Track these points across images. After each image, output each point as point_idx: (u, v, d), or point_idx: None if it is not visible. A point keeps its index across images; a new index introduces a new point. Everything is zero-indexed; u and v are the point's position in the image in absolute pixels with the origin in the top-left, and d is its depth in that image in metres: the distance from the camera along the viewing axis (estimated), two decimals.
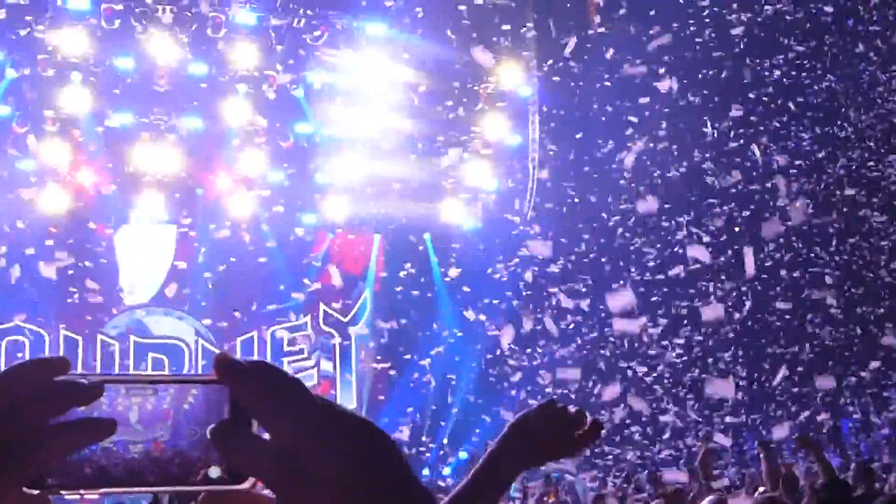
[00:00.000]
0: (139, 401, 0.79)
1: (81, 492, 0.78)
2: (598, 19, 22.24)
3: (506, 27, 22.15)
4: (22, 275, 20.46)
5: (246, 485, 0.80)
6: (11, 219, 20.52)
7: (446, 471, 21.61)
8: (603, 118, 22.01)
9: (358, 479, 0.78)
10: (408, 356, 22.86)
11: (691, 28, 21.40)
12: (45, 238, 20.72)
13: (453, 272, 23.31)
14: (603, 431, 2.20)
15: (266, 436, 0.79)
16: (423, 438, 22.37)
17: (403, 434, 20.88)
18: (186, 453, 0.79)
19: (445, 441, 22.60)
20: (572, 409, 2.17)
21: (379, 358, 23.38)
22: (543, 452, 2.12)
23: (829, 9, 21.01)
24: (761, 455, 6.61)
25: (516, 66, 22.59)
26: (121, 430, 0.78)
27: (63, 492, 0.77)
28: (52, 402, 0.76)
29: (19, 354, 20.02)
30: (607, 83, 21.57)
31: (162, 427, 0.79)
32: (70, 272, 20.71)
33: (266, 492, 0.80)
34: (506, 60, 22.48)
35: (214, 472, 0.79)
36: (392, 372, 22.98)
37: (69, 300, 20.95)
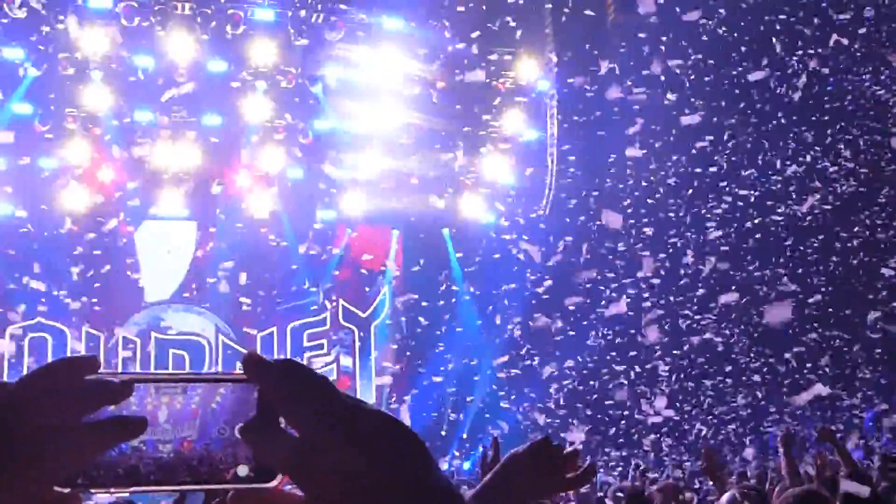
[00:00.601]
0: (168, 400, 0.80)
1: (112, 490, 0.79)
2: (614, 15, 22.15)
3: (524, 22, 22.07)
4: (44, 272, 20.63)
5: (274, 483, 0.80)
6: (33, 216, 20.69)
7: (466, 465, 21.62)
8: (621, 113, 21.90)
9: (386, 477, 0.78)
10: (427, 350, 22.87)
11: (710, 22, 21.25)
12: (66, 235, 20.88)
13: (472, 267, 23.33)
14: (596, 476, 2.11)
15: (294, 434, 0.79)
16: (443, 433, 22.40)
17: (423, 428, 20.91)
18: (215, 452, 0.80)
19: (465, 436, 22.61)
20: (565, 449, 2.10)
21: (398, 353, 23.42)
22: (532, 492, 2.05)
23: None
24: (781, 449, 6.54)
25: (534, 60, 22.53)
26: (150, 429, 0.79)
27: (93, 490, 0.78)
28: (83, 401, 0.77)
29: (31, 354, 20.21)
30: (625, 77, 21.47)
31: (190, 426, 0.80)
32: (91, 269, 20.87)
33: (295, 490, 0.80)
34: (524, 55, 22.42)
35: (243, 470, 0.80)
36: (411, 366, 23.01)
37: (91, 297, 21.10)
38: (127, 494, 0.79)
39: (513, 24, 21.80)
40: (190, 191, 21.80)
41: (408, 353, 23.32)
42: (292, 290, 22.82)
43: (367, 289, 23.70)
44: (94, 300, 21.18)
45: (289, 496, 0.81)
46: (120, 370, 0.83)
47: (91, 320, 21.32)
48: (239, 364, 0.81)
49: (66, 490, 0.77)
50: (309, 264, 22.98)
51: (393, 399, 22.79)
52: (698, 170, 22.17)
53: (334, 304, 23.17)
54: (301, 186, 22.45)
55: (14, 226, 20.61)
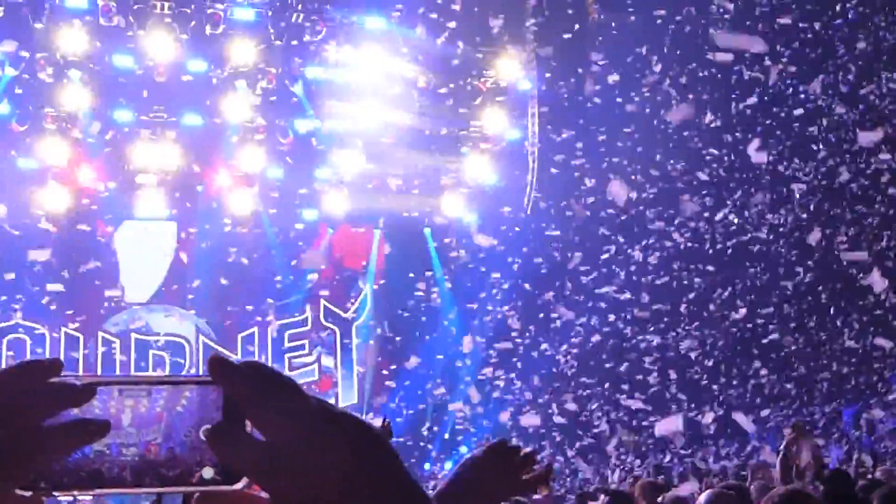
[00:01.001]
0: (132, 403, 0.80)
1: (75, 493, 0.78)
2: (596, 14, 22.21)
3: (505, 21, 22.10)
4: (22, 273, 20.47)
5: (240, 485, 0.80)
6: (12, 217, 20.52)
7: (448, 465, 21.62)
8: (602, 111, 21.98)
9: (353, 480, 0.78)
10: (409, 351, 22.86)
11: (691, 18, 21.36)
12: (45, 236, 20.73)
13: (453, 266, 23.35)
14: (553, 476, 2.11)
15: (260, 437, 0.79)
16: (425, 433, 22.40)
17: (405, 428, 20.91)
18: (180, 455, 0.80)
19: (447, 436, 22.62)
20: (523, 450, 2.09)
21: (380, 353, 23.40)
22: (490, 493, 2.03)
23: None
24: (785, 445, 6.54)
25: (515, 60, 22.56)
26: (114, 433, 0.78)
27: (56, 493, 0.77)
28: (45, 403, 0.76)
29: (11, 354, 20.06)
30: (606, 76, 21.54)
31: (155, 430, 0.79)
32: (71, 270, 20.72)
33: (261, 492, 0.80)
34: (505, 55, 22.45)
35: (208, 472, 0.80)
36: (393, 366, 22.99)
37: (70, 298, 20.96)
38: (90, 498, 0.78)
39: (494, 23, 21.82)
40: (170, 191, 21.68)
41: (389, 354, 23.29)
42: (273, 291, 22.74)
43: (348, 289, 23.66)
44: (74, 301, 21.03)
45: (255, 498, 0.81)
46: (99, 371, 0.82)
47: (70, 321, 21.17)
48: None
49: (28, 493, 0.76)
50: (290, 265, 22.91)
51: (375, 398, 22.78)
52: (680, 167, 22.26)
53: (316, 304, 23.12)
54: (282, 186, 22.38)
55: None
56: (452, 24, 21.34)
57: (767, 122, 21.85)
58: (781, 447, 6.44)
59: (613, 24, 21.82)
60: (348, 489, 0.78)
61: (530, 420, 20.98)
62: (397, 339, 23.15)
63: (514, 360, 22.26)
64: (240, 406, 0.79)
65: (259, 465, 0.78)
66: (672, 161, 22.20)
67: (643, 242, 22.09)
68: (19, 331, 20.67)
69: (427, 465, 21.49)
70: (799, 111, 21.61)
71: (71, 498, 0.78)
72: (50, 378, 0.77)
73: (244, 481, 0.80)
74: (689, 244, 21.84)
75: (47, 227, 20.69)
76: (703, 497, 5.29)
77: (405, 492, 0.81)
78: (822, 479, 6.34)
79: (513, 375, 22.23)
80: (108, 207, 21.56)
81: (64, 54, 19.70)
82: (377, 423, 5.99)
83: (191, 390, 0.81)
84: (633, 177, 22.11)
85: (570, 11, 21.97)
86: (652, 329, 21.85)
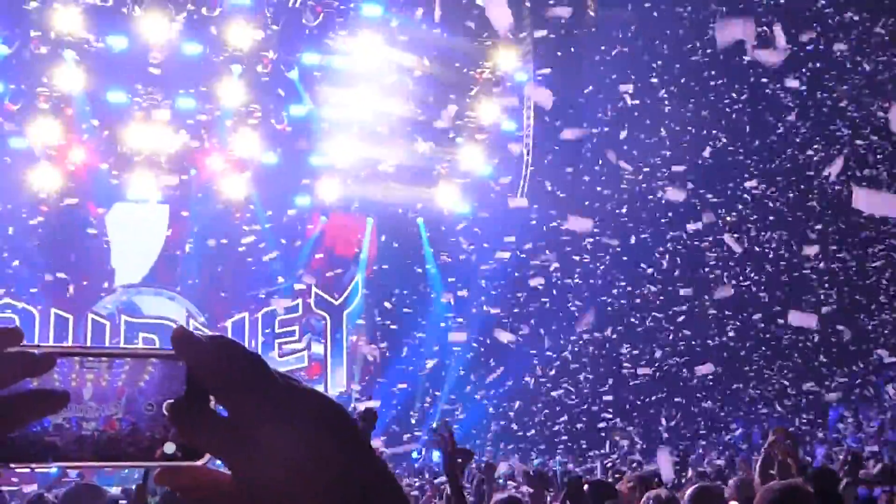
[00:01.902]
0: (93, 377, 0.78)
1: (32, 466, 0.77)
2: (593, 7, 22.18)
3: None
4: (12, 253, 20.40)
5: (202, 461, 0.79)
6: (2, 197, 20.43)
7: (435, 454, 21.66)
8: (598, 103, 21.98)
9: (316, 456, 0.77)
10: (399, 339, 22.88)
11: (688, 12, 21.35)
12: (36, 217, 20.65)
13: (445, 256, 23.35)
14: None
15: (222, 413, 0.78)
16: (413, 422, 22.44)
17: (393, 416, 20.95)
18: (142, 430, 0.78)
19: (435, 424, 22.64)
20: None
21: (370, 341, 23.40)
22: None
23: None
24: (771, 443, 6.53)
25: (512, 51, 22.52)
26: (74, 406, 0.77)
27: (12, 465, 0.76)
28: (2, 372, 0.75)
29: None
30: (603, 68, 21.53)
31: (116, 404, 0.78)
32: (61, 251, 20.66)
33: (224, 468, 0.79)
34: (502, 45, 22.40)
35: (170, 447, 0.78)
36: (383, 355, 22.99)
37: (60, 279, 20.90)
38: (54, 470, 0.77)
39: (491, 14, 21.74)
40: (162, 174, 21.61)
41: (379, 342, 23.30)
42: (264, 276, 22.73)
43: (340, 276, 23.65)
44: (64, 282, 20.97)
45: (217, 474, 0.80)
46: (52, 345, 0.81)
47: (60, 302, 21.12)
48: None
49: None
50: (282, 250, 22.88)
51: (364, 386, 22.80)
52: (676, 161, 22.27)
53: (307, 290, 23.10)
54: (275, 172, 22.33)
55: None
56: (449, 14, 21.28)
57: (761, 115, 21.87)
58: (762, 449, 6.46)
59: (610, 17, 21.80)
60: (311, 467, 0.76)
61: (519, 407, 21.04)
62: (388, 327, 23.15)
63: (504, 349, 22.29)
64: (203, 381, 0.78)
65: (220, 442, 0.76)
66: (669, 153, 22.19)
67: (637, 236, 22.12)
68: (8, 311, 20.61)
69: (415, 454, 21.52)
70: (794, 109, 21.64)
71: (28, 470, 0.77)
72: (8, 348, 0.76)
73: (206, 457, 0.79)
74: (684, 237, 21.86)
75: (39, 207, 20.60)
76: (688, 493, 5.31)
77: (370, 470, 0.80)
78: (807, 476, 6.35)
79: (502, 365, 22.24)
80: (100, 189, 21.48)
81: (58, 34, 19.59)
82: (363, 406, 6.00)
83: (154, 364, 0.80)
84: (629, 169, 22.11)
85: (568, 5, 21.91)
86: (647, 319, 21.90)
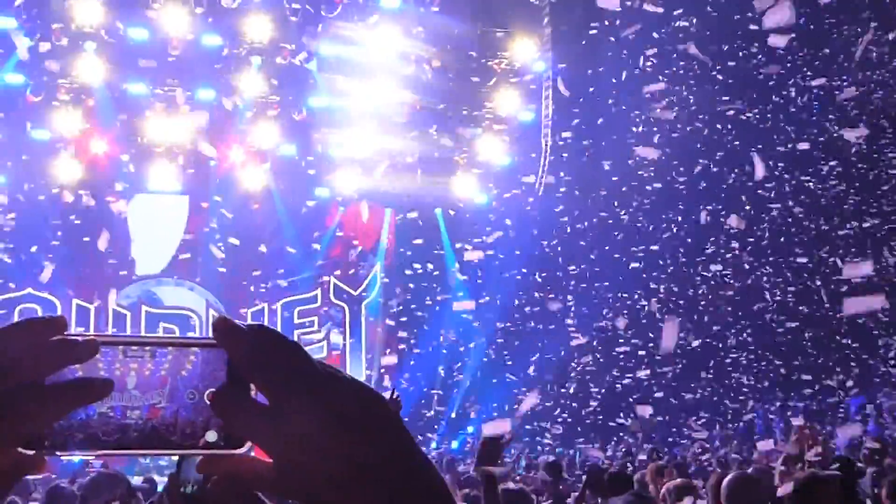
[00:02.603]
0: (136, 366, 0.79)
1: (77, 453, 0.78)
2: None
3: (520, 2, 21.97)
4: (35, 244, 20.56)
5: (243, 449, 0.80)
6: (24, 188, 20.59)
7: (454, 444, 21.72)
8: (616, 94, 21.87)
9: (357, 445, 0.78)
10: (418, 330, 22.91)
11: (710, 8, 21.19)
12: (58, 207, 20.80)
13: (463, 246, 23.34)
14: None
15: (264, 401, 0.78)
16: (431, 413, 22.47)
17: (412, 407, 20.98)
18: (184, 418, 0.80)
19: (454, 415, 22.70)
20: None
21: (389, 331, 23.45)
22: None
23: None
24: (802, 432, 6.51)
25: (530, 41, 22.45)
26: (117, 395, 0.78)
27: (59, 453, 0.77)
28: (47, 359, 0.75)
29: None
30: (622, 59, 21.41)
31: (160, 393, 0.79)
32: (82, 241, 20.80)
33: (265, 456, 0.80)
34: (520, 35, 22.34)
35: (212, 436, 0.80)
36: (402, 345, 23.05)
37: (82, 269, 21.05)
38: (93, 458, 0.78)
39: (509, 3, 21.70)
40: (183, 165, 21.71)
41: (398, 332, 23.34)
42: (283, 267, 22.80)
43: (359, 267, 23.69)
44: (86, 272, 21.12)
45: (258, 462, 0.81)
46: (96, 333, 0.82)
47: (82, 293, 21.28)
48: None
49: (31, 452, 0.76)
50: (301, 241, 22.95)
51: (383, 377, 22.85)
52: (696, 151, 22.16)
53: (326, 281, 23.17)
54: (294, 163, 22.39)
55: (5, 195, 20.49)
56: (467, 4, 21.22)
57: (784, 105, 21.71)
58: (789, 444, 6.43)
59: (631, 8, 21.65)
60: (352, 455, 0.77)
61: (535, 401, 21.00)
62: (406, 317, 23.18)
63: (523, 340, 22.28)
64: (244, 370, 0.79)
65: (261, 430, 0.78)
66: (689, 143, 22.08)
67: (656, 226, 22.03)
68: (30, 302, 20.78)
69: (434, 444, 21.56)
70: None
71: (73, 457, 0.78)
72: (53, 336, 0.77)
73: (248, 445, 0.80)
74: (703, 228, 21.75)
75: (60, 198, 20.74)
76: (725, 481, 5.29)
77: (411, 459, 0.80)
78: (827, 466, 6.34)
79: (521, 356, 22.24)
80: (121, 180, 21.61)
81: (79, 25, 19.69)
82: (386, 395, 6.01)
83: (196, 353, 0.81)
84: (646, 161, 22.00)
85: None
86: (664, 314, 21.81)
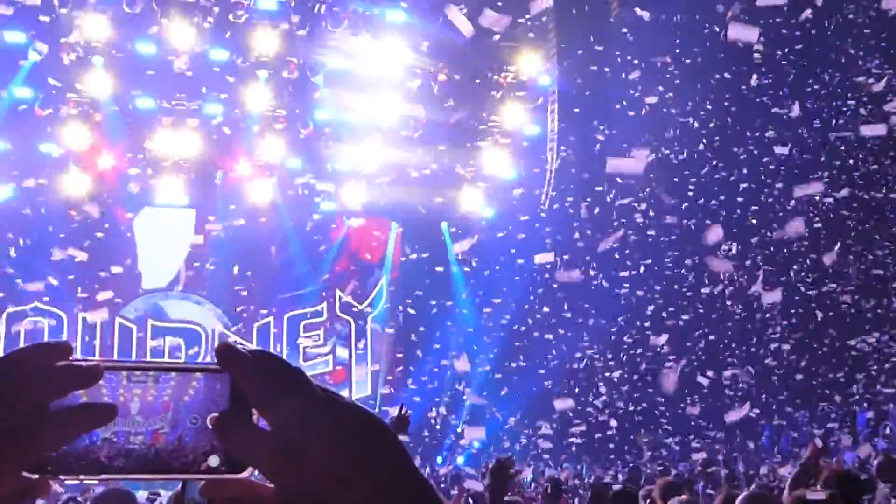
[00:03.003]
0: (140, 392, 0.80)
1: (81, 477, 0.79)
2: (617, 10, 22.11)
3: (526, 16, 22.03)
4: (42, 257, 20.61)
5: (245, 474, 0.80)
6: (32, 202, 20.67)
7: (460, 459, 21.65)
8: (622, 109, 21.90)
9: (358, 470, 0.78)
10: (423, 344, 22.89)
11: (712, 18, 21.21)
12: (65, 221, 20.86)
13: (470, 260, 23.35)
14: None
15: (266, 426, 0.79)
16: (438, 427, 22.42)
17: (418, 421, 20.94)
18: (187, 443, 0.80)
19: (460, 430, 22.63)
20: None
21: (394, 345, 23.44)
22: None
23: None
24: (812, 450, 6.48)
25: (536, 55, 22.50)
26: (121, 420, 0.78)
27: (62, 477, 0.78)
28: (52, 385, 0.76)
29: (27, 339, 20.20)
30: (627, 73, 21.43)
31: (163, 419, 0.80)
32: (89, 255, 20.85)
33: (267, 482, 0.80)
34: (525, 49, 22.39)
35: (214, 460, 0.80)
36: (408, 359, 23.02)
37: (89, 283, 21.09)
38: (96, 482, 0.79)
39: (514, 17, 21.74)
40: (190, 179, 21.77)
41: (404, 346, 23.33)
42: (290, 281, 22.82)
43: (364, 281, 23.71)
44: (92, 286, 21.16)
45: (260, 486, 0.81)
46: (116, 356, 0.82)
47: (88, 306, 21.31)
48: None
49: (35, 476, 0.77)
50: (307, 255, 22.98)
51: (388, 391, 22.83)
52: (699, 164, 22.16)
53: (331, 295, 23.18)
54: (301, 176, 22.43)
55: (13, 210, 20.57)
56: (472, 18, 21.27)
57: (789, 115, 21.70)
58: (800, 462, 6.39)
59: (635, 21, 21.70)
60: (353, 481, 0.78)
61: (542, 415, 20.96)
62: (412, 331, 23.17)
63: (529, 354, 22.24)
64: (247, 395, 0.80)
65: (264, 455, 0.78)
66: (693, 158, 22.09)
67: (661, 239, 22.01)
68: (37, 315, 20.83)
69: (439, 459, 21.51)
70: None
71: (78, 482, 0.78)
72: (58, 361, 0.77)
73: (250, 470, 0.80)
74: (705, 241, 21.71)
75: (67, 212, 20.82)
76: (738, 501, 5.26)
77: (410, 485, 0.81)
78: (831, 482, 6.30)
79: (528, 369, 22.20)
80: (128, 193, 21.67)
81: (87, 40, 19.80)
82: (394, 411, 6.01)
83: (199, 378, 0.82)
84: (651, 174, 22.01)
85: (591, 7, 21.88)
86: (669, 325, 21.77)
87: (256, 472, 0.81)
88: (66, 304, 21.08)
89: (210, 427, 0.80)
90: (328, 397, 0.81)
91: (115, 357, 20.61)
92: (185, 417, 0.81)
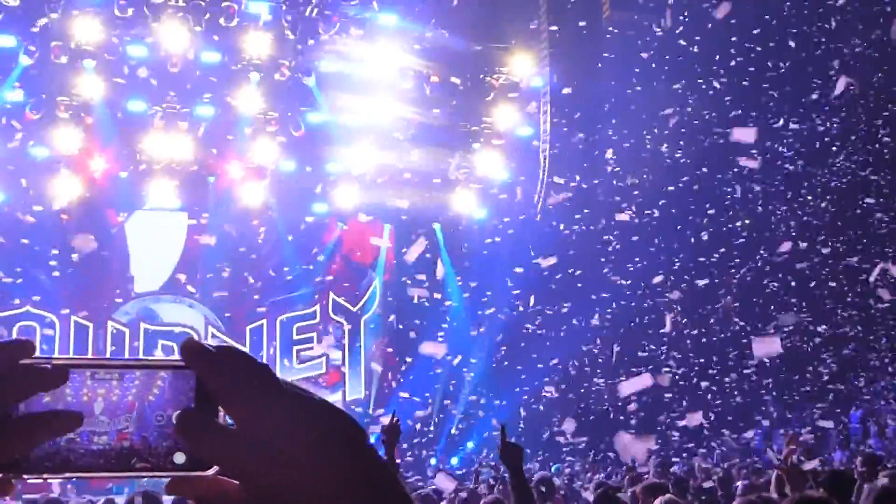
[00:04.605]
0: (104, 392, 0.80)
1: (45, 477, 0.79)
2: (609, 12, 22.15)
3: (518, 18, 22.05)
4: (34, 261, 20.56)
5: (210, 471, 0.80)
6: (24, 205, 20.60)
7: (454, 460, 21.65)
8: (613, 110, 21.94)
9: (325, 466, 0.78)
10: (416, 345, 22.85)
11: (703, 18, 21.27)
12: (57, 224, 20.80)
13: (463, 262, 23.35)
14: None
15: (231, 423, 0.79)
16: (432, 428, 22.41)
17: (411, 423, 20.93)
18: (152, 441, 0.80)
19: (454, 431, 22.63)
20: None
21: (387, 347, 23.41)
22: None
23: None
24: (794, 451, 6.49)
25: (528, 57, 22.51)
26: (85, 420, 0.78)
27: (25, 476, 0.78)
28: (15, 386, 0.76)
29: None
30: (619, 75, 21.47)
31: (127, 418, 0.80)
32: (81, 259, 20.80)
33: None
34: (518, 51, 22.40)
35: (179, 458, 0.80)
36: (401, 361, 23.00)
37: (80, 286, 21.04)
38: (60, 480, 0.79)
39: (507, 20, 21.77)
40: (182, 181, 21.72)
41: (397, 348, 23.31)
42: (282, 283, 22.78)
43: (357, 283, 23.69)
44: (84, 289, 21.11)
45: (226, 483, 0.81)
46: (65, 356, 0.82)
47: (80, 310, 21.25)
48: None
49: None
50: (300, 257, 22.95)
51: (382, 392, 22.80)
52: (691, 163, 22.18)
53: (325, 297, 23.15)
54: (293, 179, 22.40)
55: (4, 214, 20.51)
56: (465, 21, 21.29)
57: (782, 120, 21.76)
58: (779, 458, 6.40)
59: (627, 23, 21.75)
60: (319, 477, 0.78)
61: (537, 417, 20.97)
62: (405, 333, 23.15)
63: (523, 355, 22.24)
64: (212, 392, 0.79)
65: (227, 453, 0.78)
66: (684, 159, 22.12)
67: (652, 241, 22.03)
68: (29, 319, 20.76)
69: (433, 461, 21.49)
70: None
71: (41, 480, 0.79)
72: (21, 360, 0.77)
73: (215, 468, 0.80)
74: (699, 242, 21.77)
75: (59, 215, 20.76)
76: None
77: (378, 481, 0.81)
78: (821, 480, 6.32)
79: (521, 370, 22.20)
80: (120, 197, 21.62)
81: (78, 43, 19.73)
82: (386, 419, 6.00)
83: (165, 376, 0.81)
84: (643, 175, 22.06)
85: (584, 9, 21.90)
86: (660, 328, 21.80)
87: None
88: (58, 308, 21.01)
89: (174, 424, 0.79)
90: (295, 394, 0.80)
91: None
92: (150, 416, 0.81)
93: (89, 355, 20.18)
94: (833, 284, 21.48)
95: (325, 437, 0.79)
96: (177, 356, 0.81)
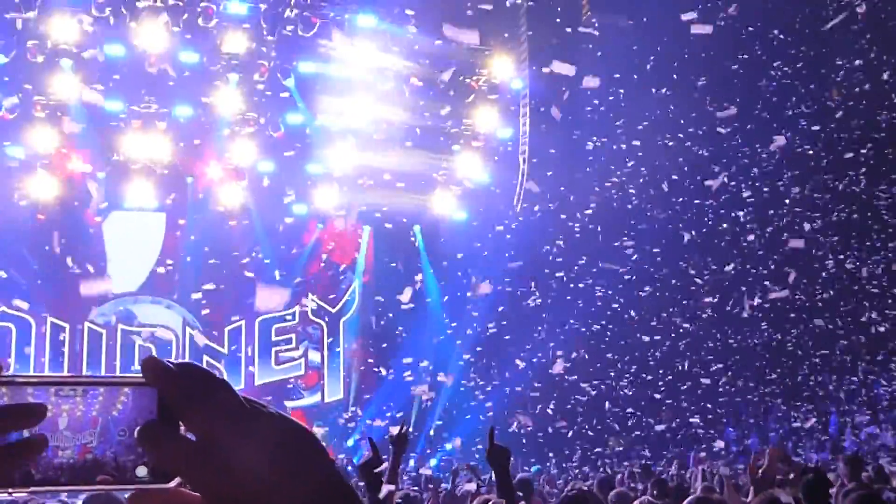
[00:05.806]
0: (68, 408, 0.81)
1: (9, 490, 0.80)
2: (588, 13, 22.24)
3: (498, 19, 22.08)
4: (9, 262, 20.40)
5: (172, 484, 0.82)
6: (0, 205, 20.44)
7: (432, 462, 21.65)
8: (593, 112, 22.02)
9: (283, 477, 0.80)
10: (396, 347, 22.87)
11: (683, 24, 21.40)
12: (33, 225, 20.65)
13: (443, 263, 23.37)
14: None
15: (191, 437, 0.81)
16: (410, 429, 22.37)
17: (389, 425, 20.91)
18: (115, 455, 0.81)
19: (432, 432, 22.64)
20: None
21: (367, 348, 23.40)
22: None
23: None
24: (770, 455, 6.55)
25: (508, 59, 22.56)
26: (50, 435, 0.80)
27: None
28: None
29: None
30: (599, 77, 21.53)
31: (90, 433, 0.81)
32: (58, 259, 20.66)
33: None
34: (497, 53, 22.45)
35: (142, 471, 0.81)
36: (380, 362, 22.98)
37: (57, 287, 20.90)
38: (25, 495, 0.80)
39: (487, 21, 21.79)
40: (160, 182, 21.63)
41: (376, 349, 23.29)
42: (261, 284, 22.71)
43: (337, 284, 23.66)
44: (61, 290, 20.97)
45: (188, 496, 0.83)
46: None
47: (57, 311, 21.11)
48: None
49: None
50: (279, 258, 22.90)
51: (361, 394, 22.79)
52: (670, 167, 22.31)
53: (303, 298, 23.10)
54: (272, 180, 22.35)
55: None
56: (444, 22, 21.29)
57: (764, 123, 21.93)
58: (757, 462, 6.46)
59: (608, 26, 21.84)
60: (278, 488, 0.80)
61: (515, 419, 20.99)
62: (384, 334, 23.15)
63: (501, 357, 22.30)
64: (173, 407, 0.81)
65: (188, 464, 0.80)
66: (665, 164, 22.24)
67: (634, 243, 22.14)
68: (5, 320, 20.60)
69: (412, 462, 21.49)
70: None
71: (6, 495, 0.80)
72: None
73: (177, 480, 0.82)
74: (681, 244, 21.89)
75: (35, 215, 20.62)
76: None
77: (332, 489, 0.83)
78: (799, 482, 6.38)
79: (499, 373, 22.26)
80: (97, 197, 21.48)
81: (55, 42, 19.58)
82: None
83: (128, 391, 0.83)
84: (623, 178, 22.17)
85: (563, 10, 21.97)
86: (641, 329, 21.91)
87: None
88: (34, 309, 20.85)
89: (136, 438, 0.81)
90: (252, 408, 0.83)
91: (84, 363, 20.48)
92: (113, 431, 0.82)
93: (65, 358, 20.07)
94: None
95: (281, 448, 0.81)
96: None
